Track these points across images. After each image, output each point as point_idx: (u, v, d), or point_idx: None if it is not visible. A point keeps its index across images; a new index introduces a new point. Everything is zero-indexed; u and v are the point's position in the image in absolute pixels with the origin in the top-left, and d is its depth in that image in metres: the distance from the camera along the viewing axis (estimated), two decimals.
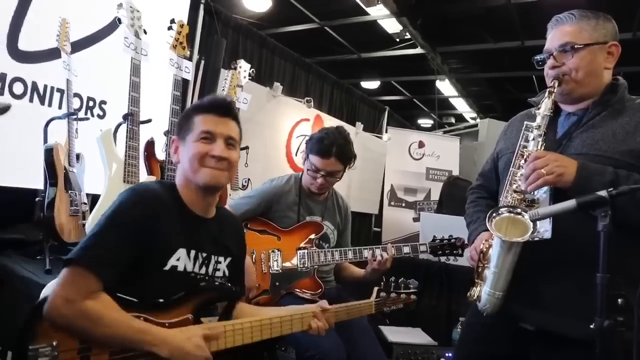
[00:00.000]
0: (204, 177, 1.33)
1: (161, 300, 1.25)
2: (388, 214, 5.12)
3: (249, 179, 3.00)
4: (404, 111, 9.06)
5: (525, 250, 1.40)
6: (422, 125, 10.28)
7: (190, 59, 2.88)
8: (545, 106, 1.46)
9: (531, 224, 1.34)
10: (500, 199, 1.54)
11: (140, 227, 1.23)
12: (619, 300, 1.25)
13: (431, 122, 10.17)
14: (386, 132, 5.51)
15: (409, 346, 2.29)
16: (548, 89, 1.47)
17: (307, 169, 2.19)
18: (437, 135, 5.98)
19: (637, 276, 1.32)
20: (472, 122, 8.62)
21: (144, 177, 2.33)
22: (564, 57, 1.45)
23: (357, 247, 2.15)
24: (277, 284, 2.11)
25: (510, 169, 1.50)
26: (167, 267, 1.27)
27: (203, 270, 1.37)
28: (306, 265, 2.13)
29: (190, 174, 1.35)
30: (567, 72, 1.45)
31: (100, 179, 2.28)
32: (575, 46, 1.43)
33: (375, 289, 1.73)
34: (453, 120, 9.70)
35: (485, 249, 1.52)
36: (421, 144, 5.26)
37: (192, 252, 1.33)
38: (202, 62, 3.31)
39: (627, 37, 4.71)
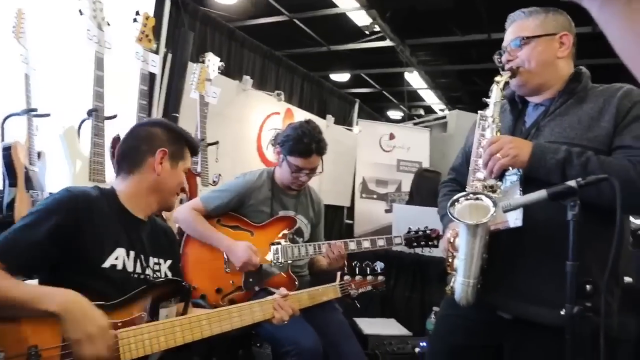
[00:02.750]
0: (173, 203, 1.54)
1: (111, 302, 1.24)
2: (360, 206, 5.13)
3: (219, 175, 2.94)
4: (374, 103, 9.10)
5: (500, 240, 1.43)
6: (391, 117, 10.34)
7: (156, 52, 2.81)
8: (494, 94, 1.50)
9: (491, 206, 1.36)
10: (467, 189, 1.56)
11: (65, 228, 1.25)
12: (587, 286, 1.28)
13: (401, 114, 10.25)
14: (357, 124, 5.52)
15: (384, 337, 2.31)
16: (495, 78, 1.52)
17: (288, 170, 2.16)
18: (408, 127, 6.02)
19: (606, 261, 1.37)
20: (441, 113, 8.73)
21: (110, 175, 2.25)
22: (516, 50, 1.51)
23: (330, 241, 2.14)
24: (251, 280, 2.08)
25: (472, 158, 1.53)
26: (105, 265, 1.30)
27: (146, 272, 1.41)
28: (280, 261, 2.10)
29: (165, 193, 1.48)
30: (520, 64, 1.50)
31: (64, 177, 2.20)
32: (525, 38, 1.49)
33: (339, 273, 1.74)
34: (422, 112, 9.79)
35: (452, 239, 1.54)
36: (392, 136, 5.28)
37: (132, 253, 1.38)
38: (170, 55, 3.22)
39: (587, 30, 4.83)
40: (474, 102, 8.80)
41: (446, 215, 1.73)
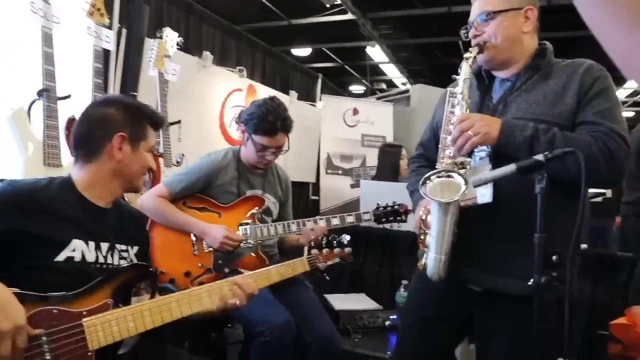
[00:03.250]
0: (140, 185, 1.47)
1: (73, 292, 1.20)
2: (325, 182, 5.12)
3: (182, 155, 2.85)
4: (336, 78, 9.03)
5: (469, 216, 1.45)
6: (354, 92, 10.32)
7: (110, 27, 2.65)
8: (464, 70, 1.50)
9: (463, 183, 1.38)
10: (437, 166, 1.57)
11: (7, 233, 1.19)
12: (554, 257, 1.32)
13: (363, 88, 10.24)
14: (320, 100, 5.46)
15: (355, 312, 2.32)
16: (464, 55, 1.52)
17: (253, 149, 2.10)
18: (371, 101, 6.01)
19: (569, 231, 1.41)
20: (403, 87, 8.76)
21: (67, 158, 2.14)
22: (483, 25, 1.51)
23: (300, 220, 2.12)
24: (220, 262, 2.04)
25: (441, 135, 1.54)
26: (60, 259, 1.25)
27: (109, 260, 1.35)
28: (249, 241, 2.07)
29: (129, 177, 1.40)
30: (487, 39, 1.50)
31: (14, 162, 2.07)
32: (491, 13, 1.49)
33: (306, 247, 1.75)
34: (384, 86, 9.83)
35: (425, 216, 1.55)
36: (355, 111, 5.26)
37: (92, 243, 1.32)
38: (124, 31, 3.05)
39: (542, 4, 4.90)
40: (435, 75, 8.91)
41: (416, 192, 1.74)
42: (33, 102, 2.20)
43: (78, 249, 1.28)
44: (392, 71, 8.97)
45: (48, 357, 1.12)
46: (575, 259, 1.51)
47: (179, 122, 2.92)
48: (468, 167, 1.49)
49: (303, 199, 5.39)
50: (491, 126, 1.39)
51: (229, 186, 2.12)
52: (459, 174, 1.42)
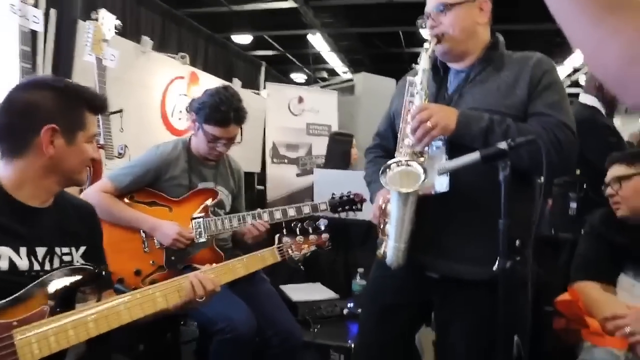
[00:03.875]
0: (82, 179, 1.29)
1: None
2: (271, 171, 5.02)
3: (125, 146, 2.67)
4: (278, 66, 8.90)
5: (427, 204, 1.45)
6: (295, 80, 10.22)
7: (36, 5, 2.41)
8: (423, 61, 1.49)
9: (422, 172, 1.38)
10: (395, 155, 1.56)
11: None
12: (517, 242, 1.34)
13: (305, 77, 10.17)
14: (264, 88, 5.34)
15: (313, 303, 2.29)
16: (424, 45, 1.51)
17: (204, 139, 1.98)
18: (316, 89, 5.96)
19: (524, 216, 1.45)
20: (344, 76, 8.78)
21: None
22: (440, 16, 1.50)
23: (255, 212, 2.04)
24: (173, 258, 1.93)
25: (400, 124, 1.53)
26: None
27: (47, 267, 1.18)
28: (203, 235, 1.97)
29: (67, 173, 1.22)
30: (445, 31, 1.49)
31: None
32: (448, 5, 1.48)
33: (277, 236, 1.58)
34: (326, 75, 9.81)
35: (384, 205, 1.54)
36: (300, 100, 5.18)
37: (23, 249, 1.14)
38: (53, 11, 2.79)
39: None
40: (375, 65, 9.00)
41: (374, 183, 1.73)
42: None
43: (4, 258, 1.10)
44: (333, 60, 8.95)
45: None
46: (529, 242, 1.56)
47: (120, 111, 2.73)
48: (426, 156, 1.49)
49: (249, 189, 5.24)
50: (449, 117, 1.40)
51: (179, 179, 2.00)
52: (418, 164, 1.42)
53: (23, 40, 2.25)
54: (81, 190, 1.97)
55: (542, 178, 1.37)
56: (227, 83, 2.05)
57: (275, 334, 1.94)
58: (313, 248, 1.64)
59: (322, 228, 1.65)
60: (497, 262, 1.31)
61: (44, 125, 1.14)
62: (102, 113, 1.32)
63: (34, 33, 2.43)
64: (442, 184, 1.47)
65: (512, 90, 1.45)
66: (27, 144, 1.15)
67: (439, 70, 1.60)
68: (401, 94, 1.65)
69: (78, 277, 1.16)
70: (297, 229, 1.61)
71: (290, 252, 1.57)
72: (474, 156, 1.31)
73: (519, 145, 1.28)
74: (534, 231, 1.37)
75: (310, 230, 1.63)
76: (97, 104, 1.26)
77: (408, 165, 1.44)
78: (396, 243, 1.48)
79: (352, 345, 2.07)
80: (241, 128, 2.05)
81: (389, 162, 1.44)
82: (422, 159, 1.47)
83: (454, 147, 1.43)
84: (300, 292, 2.41)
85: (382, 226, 1.55)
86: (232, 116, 1.95)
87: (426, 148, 1.48)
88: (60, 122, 1.16)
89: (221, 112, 1.93)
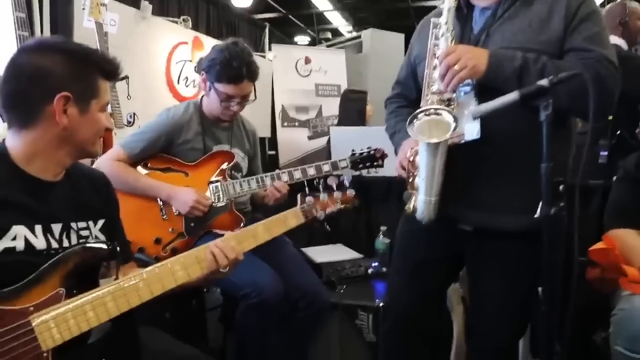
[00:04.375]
0: (98, 148, 1.20)
1: (13, 286, 0.98)
2: (282, 135, 4.93)
3: (134, 113, 2.58)
4: (281, 29, 8.64)
5: (458, 153, 1.35)
6: (299, 43, 9.96)
7: None
8: (448, 0, 1.37)
9: (452, 121, 1.29)
10: (422, 104, 1.46)
11: None
12: (560, 187, 1.25)
13: (308, 39, 9.89)
14: (270, 50, 5.17)
15: (337, 263, 2.23)
16: None
17: (216, 99, 1.88)
18: (323, 49, 5.78)
19: (561, 159, 1.36)
20: (348, 35, 8.52)
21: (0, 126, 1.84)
22: None
23: (274, 172, 1.96)
24: (193, 224, 1.86)
25: (425, 70, 1.42)
26: None
27: (65, 244, 1.10)
28: (222, 200, 1.89)
29: (80, 145, 1.12)
30: None
31: None
32: None
33: (299, 195, 1.45)
34: (330, 35, 9.53)
35: (412, 158, 1.44)
36: (307, 60, 5.02)
37: (38, 227, 1.06)
38: None
39: None
40: (381, 22, 8.70)
41: (397, 134, 1.62)
42: None
43: (20, 237, 1.02)
44: (337, 19, 8.68)
45: None
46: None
47: (126, 77, 2.62)
48: (455, 103, 1.39)
49: (260, 155, 5.18)
50: (478, 58, 1.29)
51: (193, 142, 1.91)
52: (448, 112, 1.32)
53: (17, 6, 2.13)
54: (92, 161, 1.90)
55: (589, 119, 1.24)
56: (235, 38, 1.92)
57: (301, 296, 1.89)
58: (339, 206, 1.51)
59: (347, 184, 1.53)
60: (539, 209, 1.22)
61: (57, 93, 1.04)
62: (115, 79, 1.19)
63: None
64: (472, 131, 1.37)
65: (546, 24, 1.33)
66: (38, 114, 1.05)
67: (462, 9, 1.47)
68: (423, 37, 1.54)
69: (92, 255, 1.08)
70: (320, 187, 1.49)
71: (314, 212, 1.45)
72: (512, 96, 1.20)
73: (562, 81, 1.16)
74: (579, 176, 1.27)
75: (334, 187, 1.51)
76: (110, 69, 1.14)
77: (437, 113, 1.34)
78: (427, 196, 1.40)
79: (380, 305, 2.02)
80: (254, 85, 1.94)
81: (417, 111, 1.34)
82: (451, 107, 1.37)
83: (483, 92, 1.32)
84: (323, 253, 2.35)
85: (410, 179, 1.46)
86: (245, 72, 1.84)
87: (454, 94, 1.37)
88: (74, 89, 1.06)
89: (233, 69, 1.81)
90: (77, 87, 1.07)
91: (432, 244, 1.54)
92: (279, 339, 1.91)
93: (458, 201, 1.41)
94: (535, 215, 1.22)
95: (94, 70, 1.11)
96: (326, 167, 2.00)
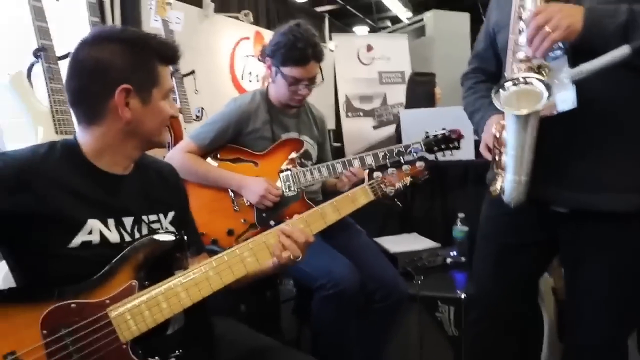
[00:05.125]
0: (165, 138, 1.16)
1: (89, 280, 0.98)
2: (347, 126, 4.84)
3: (202, 108, 2.59)
4: (339, 21, 8.53)
5: (549, 127, 1.19)
6: (358, 34, 9.81)
7: None
8: None
9: (544, 89, 1.12)
10: (505, 74, 1.30)
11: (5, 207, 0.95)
12: None
13: (367, 29, 9.71)
14: (330, 39, 5.09)
15: (413, 253, 2.11)
16: None
17: (284, 84, 1.82)
18: (384, 35, 5.63)
19: None
20: (408, 21, 8.26)
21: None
22: None
23: (345, 159, 1.87)
24: (264, 215, 1.82)
25: (510, 35, 1.25)
26: (74, 245, 1.00)
27: (137, 237, 1.08)
28: (292, 189, 1.84)
29: (146, 136, 1.10)
30: None
31: (23, 133, 1.83)
32: None
33: (365, 171, 1.37)
34: (389, 23, 9.28)
35: (498, 133, 1.29)
36: (369, 48, 4.89)
37: (111, 221, 1.05)
38: None
39: None
40: (441, 4, 8.36)
41: (478, 112, 1.47)
42: (32, 64, 1.94)
43: (95, 231, 1.02)
44: (395, 6, 8.42)
45: (76, 357, 0.93)
46: None
47: (193, 72, 2.64)
48: (546, 70, 1.22)
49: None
50: (573, 16, 1.10)
51: (261, 131, 1.86)
52: (539, 79, 1.15)
53: (91, 11, 2.20)
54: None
55: None
56: (296, 20, 1.85)
57: (378, 288, 1.80)
58: (408, 180, 1.40)
59: (415, 156, 1.41)
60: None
61: (117, 86, 1.02)
62: (174, 63, 1.14)
63: (100, 3, 2.38)
64: (567, 100, 1.19)
65: None
66: (102, 109, 1.04)
67: None
68: (500, 4, 1.38)
69: (160, 246, 1.06)
70: (388, 162, 1.39)
71: (383, 187, 1.35)
72: (621, 52, 1.03)
73: None
74: None
75: (402, 161, 1.41)
76: (168, 53, 1.10)
77: (527, 82, 1.18)
78: (516, 176, 1.25)
79: (462, 296, 1.88)
80: (320, 67, 1.86)
81: (502, 80, 1.19)
82: (542, 75, 1.21)
83: (578, 56, 1.14)
84: (397, 243, 2.24)
85: (497, 158, 1.31)
86: (311, 53, 1.77)
87: (544, 60, 1.21)
88: (134, 80, 1.03)
89: (299, 50, 1.75)
90: (137, 77, 1.04)
91: (520, 228, 1.39)
92: (355, 332, 1.82)
93: (551, 180, 1.25)
94: None
95: (151, 56, 1.06)
96: (400, 150, 1.88)
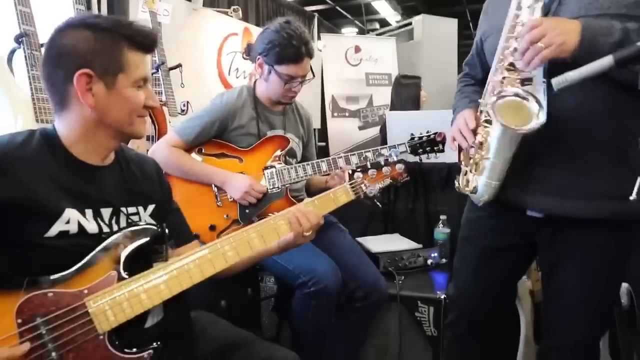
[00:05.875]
0: (140, 130, 1.11)
1: (67, 270, 0.97)
2: (333, 126, 4.84)
3: (187, 102, 2.57)
4: (328, 21, 8.55)
5: (525, 136, 1.21)
6: (346, 35, 9.83)
7: None
8: None
9: (537, 109, 1.18)
10: (489, 77, 1.33)
11: None
12: None
13: (355, 30, 9.75)
14: (319, 39, 5.09)
15: (395, 253, 2.12)
16: None
17: (278, 82, 1.82)
18: (373, 37, 5.65)
19: None
20: (396, 25, 8.32)
21: None
22: None
23: (330, 158, 1.88)
24: (247, 211, 1.81)
25: (501, 43, 1.27)
26: (51, 234, 0.98)
27: (115, 228, 1.07)
28: (277, 186, 1.83)
29: (117, 125, 1.07)
30: None
31: (3, 119, 1.79)
32: None
33: (346, 172, 1.40)
34: (378, 26, 9.33)
35: (483, 139, 1.31)
36: (357, 49, 4.90)
37: (89, 212, 1.03)
38: None
39: None
40: (429, 10, 8.43)
41: (457, 108, 1.49)
42: (13, 51, 1.90)
43: (73, 220, 1.00)
44: (384, 9, 8.49)
45: (50, 347, 0.91)
46: None
47: (179, 65, 2.62)
48: (531, 83, 1.25)
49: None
50: (568, 34, 1.11)
51: (247, 127, 1.86)
52: (536, 99, 1.19)
53: (76, 2, 2.16)
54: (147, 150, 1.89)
55: None
56: (284, 17, 1.85)
57: (358, 287, 1.81)
58: (388, 181, 1.44)
59: (395, 158, 1.44)
60: (635, 191, 1.07)
61: (77, 70, 0.99)
62: (148, 50, 1.09)
63: None
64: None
65: None
66: (67, 95, 1.02)
67: None
68: (497, 8, 1.39)
69: (142, 238, 1.05)
70: (368, 163, 1.42)
71: (364, 187, 1.39)
72: (605, 62, 1.04)
73: None
74: None
75: (382, 163, 1.43)
76: (140, 39, 1.05)
77: (524, 98, 1.21)
78: (489, 180, 1.30)
79: (442, 297, 1.90)
80: (310, 64, 1.87)
81: (508, 90, 1.23)
82: (528, 87, 1.24)
83: (555, 68, 1.15)
84: (379, 243, 2.25)
85: (477, 161, 1.33)
86: (304, 50, 1.78)
87: (533, 74, 1.23)
88: (95, 64, 1.00)
89: (294, 48, 1.75)
90: (99, 62, 1.00)
91: (499, 231, 1.42)
92: (335, 330, 1.83)
93: (527, 186, 1.29)
94: (632, 197, 1.07)
95: (119, 42, 1.02)
96: (384, 152, 1.89)
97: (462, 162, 1.39)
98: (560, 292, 1.36)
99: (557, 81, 1.11)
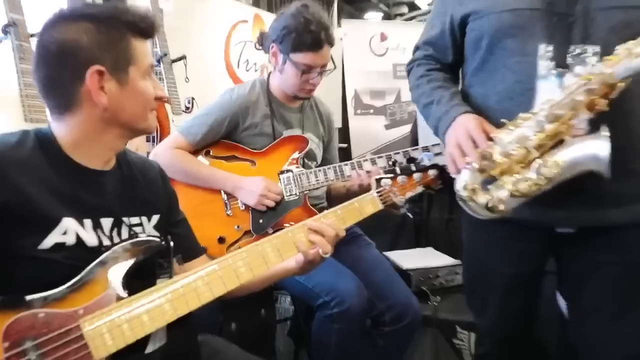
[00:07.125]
0: (152, 124, 1.14)
1: (61, 287, 0.97)
2: (355, 125, 4.83)
3: (192, 98, 2.59)
4: (349, 6, 8.57)
5: None
6: (370, 21, 9.84)
7: None
8: None
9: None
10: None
11: None
12: None
13: (381, 14, 9.75)
14: (339, 26, 5.10)
15: (429, 270, 2.11)
16: None
17: (294, 73, 1.83)
18: (400, 23, 5.65)
19: None
20: (427, 8, 8.29)
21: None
22: None
23: (354, 161, 1.87)
24: (261, 221, 1.82)
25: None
26: (45, 246, 0.98)
27: (115, 240, 1.08)
28: (294, 192, 1.83)
29: (130, 122, 1.09)
30: None
31: None
32: None
33: (374, 179, 1.39)
34: (406, 10, 9.32)
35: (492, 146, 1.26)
36: (383, 37, 4.89)
37: (88, 222, 1.04)
38: None
39: None
40: None
41: (437, 104, 1.38)
42: None
43: (71, 231, 1.01)
44: None
45: None
46: None
47: (183, 57, 2.65)
48: None
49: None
50: None
51: (260, 126, 1.87)
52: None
53: None
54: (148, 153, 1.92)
55: None
56: (301, 1, 1.85)
57: (387, 308, 1.80)
58: (420, 189, 1.42)
59: (428, 162, 1.43)
60: None
61: (87, 68, 1.01)
62: (151, 36, 1.12)
63: None
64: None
65: None
66: (75, 97, 1.03)
67: None
68: None
69: (143, 252, 1.05)
70: (397, 168, 1.41)
71: (392, 196, 1.36)
72: None
73: None
74: None
75: (413, 168, 1.41)
76: (144, 25, 1.07)
77: None
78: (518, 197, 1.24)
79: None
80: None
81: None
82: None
83: None
84: (411, 258, 2.23)
85: (484, 165, 1.23)
86: (324, 36, 1.79)
87: None
88: (105, 59, 1.02)
89: (312, 34, 1.76)
90: (109, 56, 1.03)
91: (527, 255, 1.42)
92: (360, 358, 1.82)
93: (555, 203, 1.25)
94: None
95: (124, 31, 1.05)
96: (415, 154, 1.87)
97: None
98: (592, 308, 1.36)
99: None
